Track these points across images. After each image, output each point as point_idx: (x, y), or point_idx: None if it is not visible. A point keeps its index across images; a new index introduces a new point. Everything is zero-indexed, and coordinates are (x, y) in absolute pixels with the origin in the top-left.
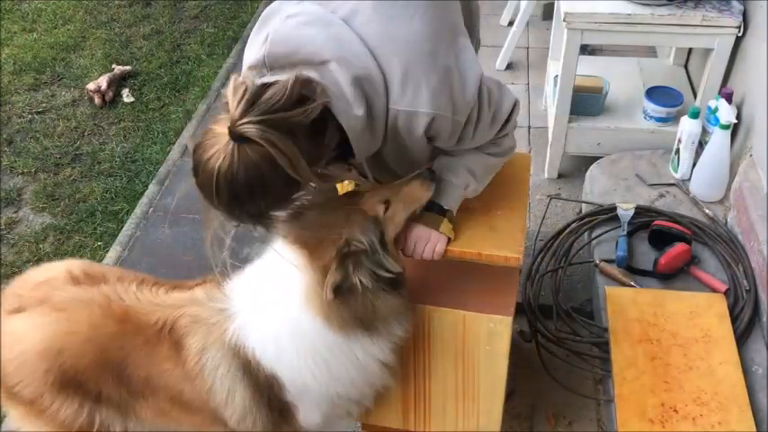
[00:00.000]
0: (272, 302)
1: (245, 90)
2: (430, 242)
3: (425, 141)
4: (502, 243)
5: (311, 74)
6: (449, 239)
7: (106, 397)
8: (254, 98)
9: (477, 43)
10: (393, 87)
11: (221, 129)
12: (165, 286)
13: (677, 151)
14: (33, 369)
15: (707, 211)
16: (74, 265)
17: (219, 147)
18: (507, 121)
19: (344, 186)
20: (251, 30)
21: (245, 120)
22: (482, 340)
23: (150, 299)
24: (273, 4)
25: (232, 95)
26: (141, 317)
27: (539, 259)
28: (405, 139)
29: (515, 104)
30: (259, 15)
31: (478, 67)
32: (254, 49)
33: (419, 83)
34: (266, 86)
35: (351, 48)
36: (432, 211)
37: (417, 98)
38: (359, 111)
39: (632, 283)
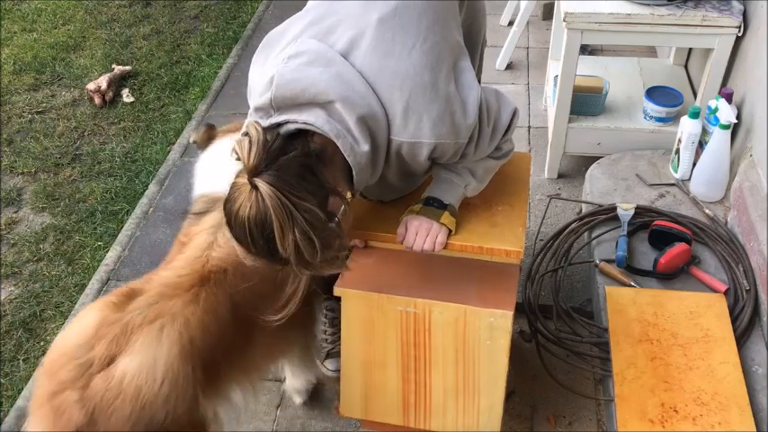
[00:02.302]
0: None
1: (250, 140)
2: (431, 233)
3: (428, 163)
4: (503, 237)
5: (318, 113)
6: (450, 232)
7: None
8: (261, 146)
9: (483, 43)
10: (395, 120)
11: (242, 180)
12: (181, 250)
13: (677, 151)
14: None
15: (707, 211)
16: (106, 300)
17: (244, 196)
18: (507, 129)
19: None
20: (251, 30)
21: (258, 168)
22: (482, 335)
23: (196, 252)
24: (276, 30)
25: (239, 149)
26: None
27: (539, 259)
28: (408, 163)
29: (515, 113)
30: (258, 16)
31: (477, 87)
32: (260, 88)
33: (421, 114)
34: (266, 132)
35: (353, 87)
36: (432, 206)
37: (420, 129)
38: (365, 147)
39: (632, 283)
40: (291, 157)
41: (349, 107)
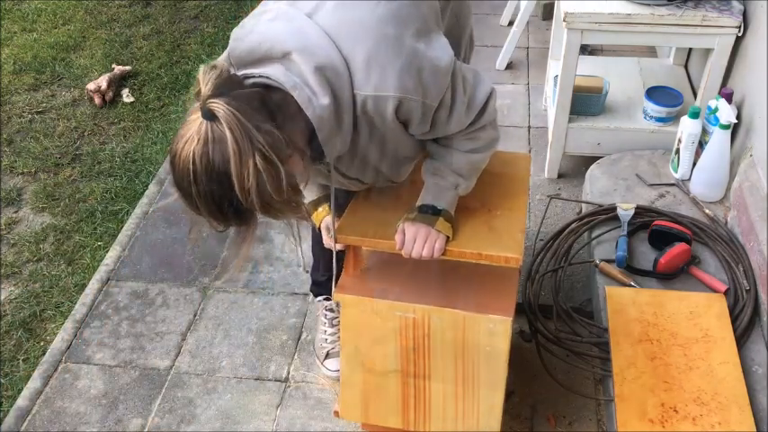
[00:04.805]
0: None
1: (214, 72)
2: (429, 239)
3: (400, 127)
4: (502, 243)
5: (276, 66)
6: (447, 238)
7: None
8: (223, 78)
9: (471, 43)
10: (357, 74)
11: (194, 116)
12: None
13: (677, 151)
14: None
15: (707, 211)
16: None
17: (193, 130)
18: (483, 110)
19: (320, 214)
20: None
21: (214, 94)
22: (482, 341)
23: None
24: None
25: (202, 76)
26: None
27: (539, 259)
28: (378, 126)
29: (491, 94)
30: None
31: (451, 52)
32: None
33: (384, 66)
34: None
35: (312, 39)
36: (426, 213)
37: (384, 82)
38: (324, 100)
39: (632, 283)
40: (252, 91)
41: (306, 57)
